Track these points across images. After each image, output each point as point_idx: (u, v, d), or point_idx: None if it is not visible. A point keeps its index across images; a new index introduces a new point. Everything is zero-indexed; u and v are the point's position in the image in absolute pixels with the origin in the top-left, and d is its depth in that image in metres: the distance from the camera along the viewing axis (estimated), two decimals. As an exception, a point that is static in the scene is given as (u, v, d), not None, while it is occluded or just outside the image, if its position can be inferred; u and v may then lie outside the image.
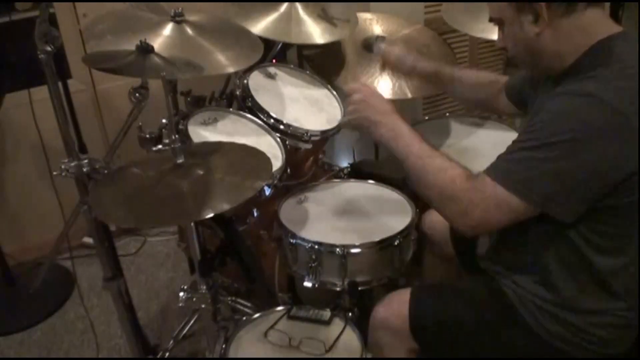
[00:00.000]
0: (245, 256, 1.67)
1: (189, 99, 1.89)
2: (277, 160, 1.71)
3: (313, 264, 1.60)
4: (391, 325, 1.40)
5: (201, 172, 1.31)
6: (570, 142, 1.07)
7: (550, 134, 1.09)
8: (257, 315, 1.60)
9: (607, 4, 2.58)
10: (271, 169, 1.44)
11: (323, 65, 2.20)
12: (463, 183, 1.19)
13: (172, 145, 1.31)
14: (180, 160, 1.32)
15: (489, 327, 1.32)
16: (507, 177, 1.14)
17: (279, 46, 2.14)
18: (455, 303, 1.38)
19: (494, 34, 2.14)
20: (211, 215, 1.19)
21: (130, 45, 1.44)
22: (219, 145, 1.52)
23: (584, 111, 1.08)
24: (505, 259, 1.33)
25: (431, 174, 1.23)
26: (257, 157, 1.42)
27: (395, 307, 1.41)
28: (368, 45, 2.25)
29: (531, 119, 1.19)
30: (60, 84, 1.44)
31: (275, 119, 1.81)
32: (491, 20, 1.28)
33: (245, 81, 1.87)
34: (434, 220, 1.72)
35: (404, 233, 1.64)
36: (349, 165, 2.11)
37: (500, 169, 1.17)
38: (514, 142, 1.19)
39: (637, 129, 1.06)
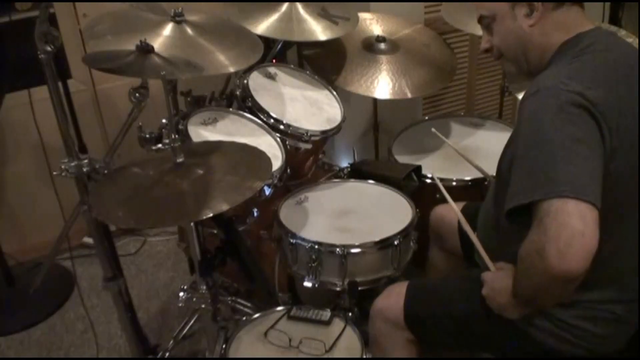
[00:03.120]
0: (245, 256, 1.68)
1: (189, 99, 1.89)
2: (277, 160, 1.71)
3: (313, 264, 1.60)
4: (388, 315, 1.43)
5: (201, 172, 1.31)
6: (549, 130, 1.08)
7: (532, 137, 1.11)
8: (257, 315, 1.60)
9: (607, 4, 2.58)
10: (271, 169, 1.44)
11: (323, 65, 2.20)
12: (529, 240, 1.08)
13: (172, 145, 1.32)
14: (180, 160, 1.32)
15: (480, 322, 1.33)
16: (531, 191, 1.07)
17: (279, 46, 2.15)
18: (448, 297, 1.41)
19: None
20: (210, 215, 1.19)
21: (130, 45, 1.44)
22: (219, 144, 1.52)
23: (540, 104, 1.12)
24: (493, 252, 1.34)
25: (522, 276, 1.14)
26: (257, 157, 1.42)
27: (392, 298, 1.45)
28: (368, 45, 2.25)
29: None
30: (60, 84, 1.44)
31: (275, 119, 1.81)
32: (481, 19, 1.33)
33: (245, 81, 1.87)
34: (442, 216, 1.73)
35: (403, 233, 1.64)
36: (349, 165, 2.11)
37: (525, 189, 1.09)
38: (515, 162, 1.15)
39: (585, 98, 1.09)
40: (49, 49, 1.32)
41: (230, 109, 1.87)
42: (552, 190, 1.04)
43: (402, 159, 2.12)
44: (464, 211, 1.57)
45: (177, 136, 1.32)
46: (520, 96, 2.15)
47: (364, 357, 1.45)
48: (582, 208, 1.02)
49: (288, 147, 1.81)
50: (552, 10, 1.22)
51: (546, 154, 1.07)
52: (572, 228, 1.01)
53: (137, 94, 1.41)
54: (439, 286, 1.47)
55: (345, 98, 2.11)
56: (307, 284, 1.64)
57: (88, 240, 2.50)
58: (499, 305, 1.25)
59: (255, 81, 1.92)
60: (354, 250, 1.59)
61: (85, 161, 1.46)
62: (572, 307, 1.22)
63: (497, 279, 1.27)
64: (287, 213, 1.76)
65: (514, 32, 1.26)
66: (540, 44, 1.25)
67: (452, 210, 1.68)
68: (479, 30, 2.17)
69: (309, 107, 1.98)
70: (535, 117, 1.11)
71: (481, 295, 1.29)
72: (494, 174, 1.91)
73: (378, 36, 2.25)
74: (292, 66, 2.12)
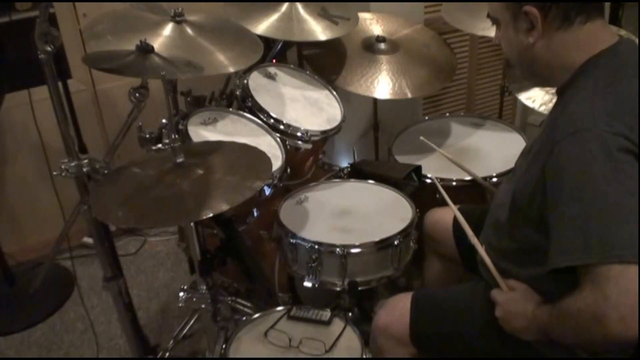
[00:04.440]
0: (245, 256, 1.68)
1: (189, 99, 1.89)
2: (277, 160, 1.71)
3: (313, 264, 1.60)
4: (392, 332, 1.40)
5: (201, 172, 1.31)
6: (601, 183, 1.02)
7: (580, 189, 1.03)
8: (257, 315, 1.60)
9: (607, 4, 2.58)
10: (271, 169, 1.44)
11: (323, 65, 2.20)
12: (582, 301, 1.03)
13: (172, 145, 1.32)
14: (180, 160, 1.32)
15: (488, 338, 1.31)
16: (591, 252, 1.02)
17: (279, 46, 2.15)
18: (456, 313, 1.38)
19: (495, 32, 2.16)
20: (210, 215, 1.19)
21: (130, 45, 1.44)
22: (219, 145, 1.52)
23: (586, 151, 1.04)
24: (503, 268, 1.31)
25: (567, 328, 1.09)
26: (257, 156, 1.42)
27: (397, 314, 1.41)
28: (368, 45, 2.25)
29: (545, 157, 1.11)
30: (60, 84, 1.44)
31: (275, 119, 1.81)
32: (489, 17, 1.27)
33: (245, 81, 1.87)
34: (436, 219, 1.72)
35: (404, 233, 1.64)
36: (349, 165, 2.11)
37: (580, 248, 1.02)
38: (557, 212, 1.07)
39: (630, 140, 1.04)
40: (49, 49, 1.32)
41: (230, 109, 1.87)
42: (612, 254, 0.99)
43: (402, 159, 2.11)
44: None
45: (177, 136, 1.32)
46: (520, 96, 2.15)
47: (364, 357, 1.45)
48: (637, 270, 0.98)
49: (288, 147, 1.81)
50: (559, 30, 1.14)
51: (599, 210, 1.01)
52: (635, 295, 0.97)
53: (137, 94, 1.42)
54: (446, 302, 1.42)
55: (345, 98, 2.11)
56: (307, 284, 1.64)
57: (88, 240, 2.50)
58: (515, 328, 1.21)
59: (255, 81, 1.92)
60: (354, 250, 1.59)
61: (85, 161, 1.46)
62: None
63: (512, 302, 1.22)
64: (287, 213, 1.76)
65: (516, 45, 1.20)
66: (548, 63, 1.18)
67: (446, 214, 1.67)
68: (479, 30, 2.19)
69: (309, 107, 1.98)
70: (581, 165, 1.03)
71: (493, 316, 1.26)
72: (493, 174, 1.94)
73: (378, 36, 2.25)
74: (292, 66, 2.12)
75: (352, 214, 1.77)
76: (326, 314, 1.57)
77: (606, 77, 1.11)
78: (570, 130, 1.07)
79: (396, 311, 1.42)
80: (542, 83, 1.25)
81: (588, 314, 1.01)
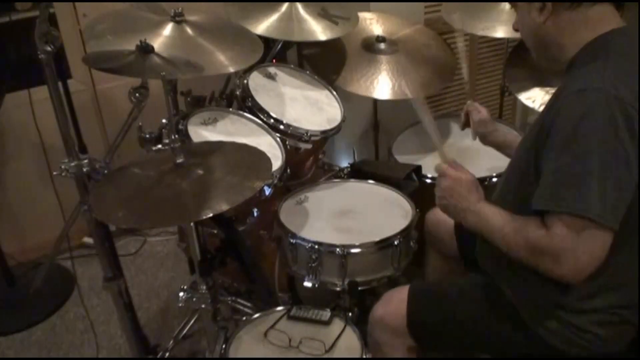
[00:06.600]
0: (245, 256, 1.68)
1: (189, 99, 1.89)
2: (277, 160, 1.71)
3: (313, 264, 1.60)
4: (389, 323, 1.42)
5: (201, 172, 1.31)
6: (595, 142, 1.07)
7: (576, 144, 1.08)
8: (257, 315, 1.60)
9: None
10: (271, 169, 1.44)
11: (323, 65, 2.20)
12: (537, 231, 1.14)
13: (172, 145, 1.32)
14: (180, 160, 1.32)
15: (486, 325, 1.33)
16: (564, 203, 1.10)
17: (279, 46, 2.15)
18: (453, 301, 1.40)
19: (495, 32, 2.16)
20: (210, 215, 1.19)
21: (130, 45, 1.44)
22: (219, 145, 1.52)
23: (589, 108, 1.08)
24: (505, 260, 1.32)
25: (513, 241, 1.19)
26: (257, 156, 1.42)
27: (393, 305, 1.43)
28: (368, 45, 2.25)
29: (549, 122, 1.15)
30: (60, 84, 1.44)
31: (275, 119, 1.81)
32: (510, 1, 1.35)
33: (245, 81, 1.87)
34: (438, 218, 1.72)
35: (404, 233, 1.64)
36: (349, 165, 2.11)
37: (556, 198, 1.11)
38: (548, 163, 1.14)
39: (635, 109, 1.07)
40: (49, 49, 1.32)
41: (230, 109, 1.87)
42: (588, 210, 1.06)
43: (402, 159, 2.12)
44: None
45: (177, 136, 1.32)
46: (520, 96, 2.15)
47: (364, 357, 1.45)
48: (607, 236, 1.08)
49: (288, 147, 1.81)
50: (568, 9, 1.19)
51: (589, 168, 1.06)
52: (595, 255, 1.09)
53: (137, 94, 1.42)
54: (442, 290, 1.45)
55: (345, 98, 2.11)
56: (307, 284, 1.64)
57: (88, 240, 2.50)
58: (449, 206, 1.31)
59: (255, 81, 1.92)
60: (354, 250, 1.59)
61: (85, 161, 1.46)
62: (588, 313, 1.22)
63: (462, 183, 1.30)
64: (287, 213, 1.76)
65: (529, 25, 1.25)
66: (558, 42, 1.22)
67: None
68: (479, 30, 2.19)
69: (309, 107, 1.98)
70: (581, 121, 1.07)
71: (490, 302, 1.30)
72: (493, 174, 1.94)
73: (378, 36, 2.25)
74: (292, 66, 2.13)
75: (352, 214, 1.77)
76: (326, 314, 1.57)
77: (615, 52, 1.15)
78: (576, 88, 1.11)
79: (393, 303, 1.43)
80: (553, 63, 1.28)
81: (551, 251, 1.11)
